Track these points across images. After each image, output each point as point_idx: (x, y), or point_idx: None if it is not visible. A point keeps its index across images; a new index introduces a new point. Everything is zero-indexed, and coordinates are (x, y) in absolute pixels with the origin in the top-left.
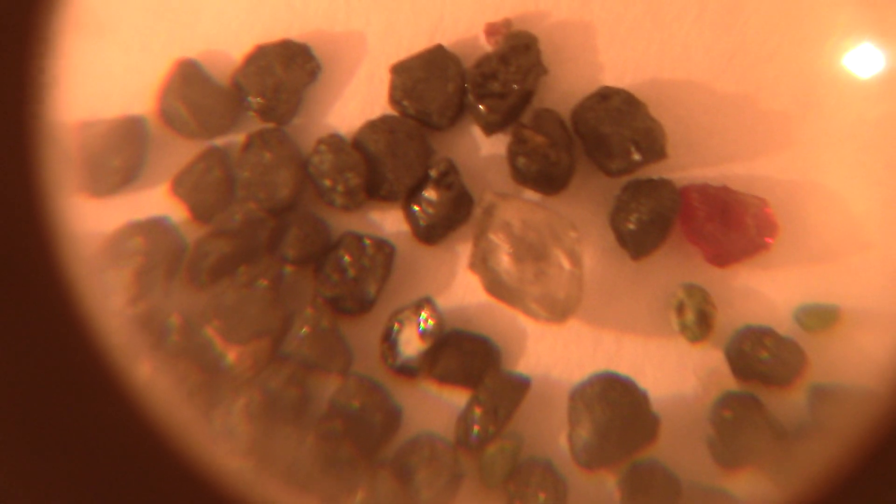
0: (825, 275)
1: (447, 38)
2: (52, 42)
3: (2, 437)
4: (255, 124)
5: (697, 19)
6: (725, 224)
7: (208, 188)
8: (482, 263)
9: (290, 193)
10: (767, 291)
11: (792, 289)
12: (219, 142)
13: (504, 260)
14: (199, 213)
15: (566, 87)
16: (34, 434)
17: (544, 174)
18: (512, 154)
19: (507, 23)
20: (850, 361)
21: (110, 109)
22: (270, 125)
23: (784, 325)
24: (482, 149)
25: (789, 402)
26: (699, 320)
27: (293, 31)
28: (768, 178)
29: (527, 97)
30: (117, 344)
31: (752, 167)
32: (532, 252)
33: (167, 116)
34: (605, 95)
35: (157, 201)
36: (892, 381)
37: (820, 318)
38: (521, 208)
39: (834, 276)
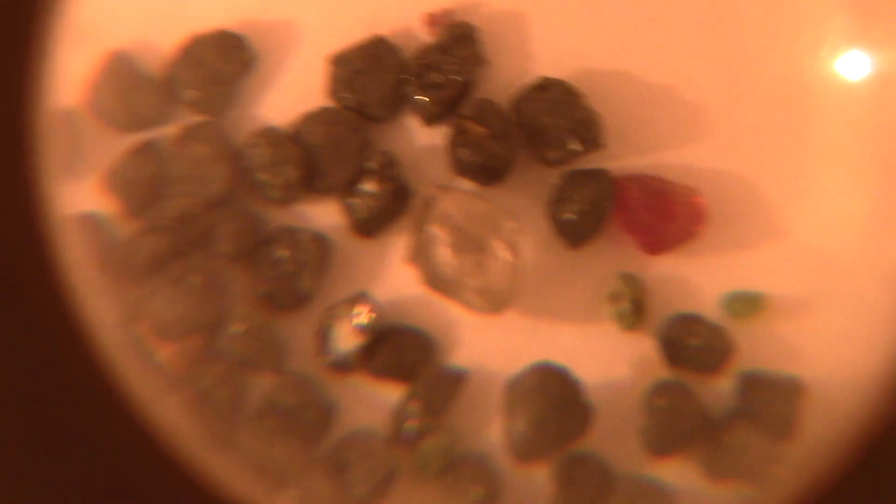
0: (751, 263)
1: (386, 29)
2: None
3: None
4: (189, 117)
5: (632, 12)
6: (659, 213)
7: (140, 183)
8: (420, 255)
9: (225, 187)
10: (697, 279)
11: (720, 276)
12: (151, 135)
13: (443, 251)
14: (131, 208)
15: (505, 77)
16: (28, 434)
17: (485, 165)
18: (453, 145)
19: (446, 13)
20: (774, 348)
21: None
22: (204, 118)
23: (713, 312)
24: (421, 140)
25: (718, 389)
26: (634, 309)
27: (228, 21)
28: (697, 168)
29: (467, 88)
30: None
31: (683, 157)
32: (472, 243)
33: (98, 110)
34: (545, 86)
35: (88, 197)
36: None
37: (746, 305)
38: (462, 199)
39: (759, 264)
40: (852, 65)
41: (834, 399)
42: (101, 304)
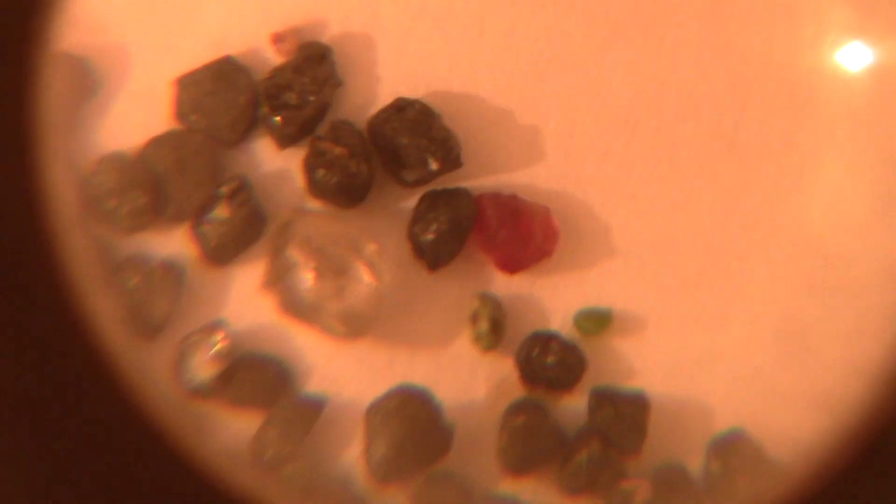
0: (598, 280)
1: (232, 50)
2: None
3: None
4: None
5: (480, 35)
6: (515, 232)
7: None
8: (278, 281)
9: (70, 214)
10: (550, 298)
11: (571, 295)
12: None
13: (303, 276)
14: None
15: (361, 99)
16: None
17: (343, 186)
18: (309, 167)
19: (295, 31)
20: (621, 363)
21: None
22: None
23: (566, 329)
24: (274, 164)
25: (571, 406)
26: (492, 329)
27: (69, 45)
28: (547, 186)
29: (323, 109)
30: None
31: (535, 176)
32: (332, 266)
33: None
34: (401, 107)
35: None
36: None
37: (595, 322)
38: (321, 221)
39: (605, 281)
40: (852, 56)
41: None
42: (102, 298)
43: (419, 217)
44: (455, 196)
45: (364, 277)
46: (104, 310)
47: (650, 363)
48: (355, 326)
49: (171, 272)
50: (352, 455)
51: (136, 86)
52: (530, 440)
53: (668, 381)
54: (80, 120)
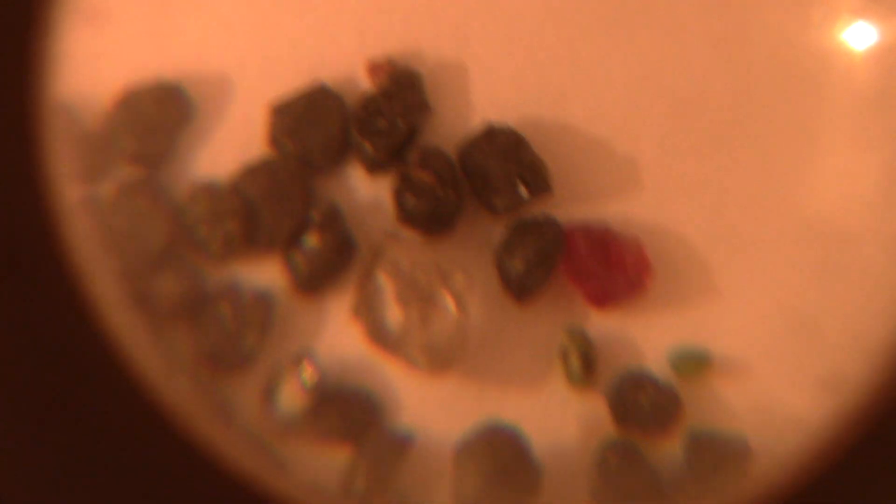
0: (696, 318)
1: (327, 78)
2: None
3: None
4: (127, 170)
5: (572, 62)
6: (607, 264)
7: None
8: (366, 308)
9: (164, 243)
10: (644, 334)
11: (666, 332)
12: (88, 189)
13: (389, 303)
14: None
15: (450, 125)
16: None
17: (432, 213)
18: (398, 193)
19: (389, 60)
20: (721, 405)
21: None
22: (143, 171)
23: (659, 368)
24: (365, 191)
25: (666, 450)
26: (583, 365)
27: (165, 71)
28: (643, 218)
29: (412, 135)
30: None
31: (628, 207)
32: (419, 294)
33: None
34: (491, 133)
35: None
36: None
37: (692, 362)
38: (410, 248)
39: (704, 319)
40: (859, 37)
41: (782, 456)
42: (108, 284)
43: (507, 247)
44: (544, 225)
45: (450, 308)
46: (190, 342)
47: (752, 407)
48: (439, 359)
49: (263, 301)
50: (441, 493)
51: (232, 113)
52: (624, 483)
53: (778, 402)
54: (176, 148)
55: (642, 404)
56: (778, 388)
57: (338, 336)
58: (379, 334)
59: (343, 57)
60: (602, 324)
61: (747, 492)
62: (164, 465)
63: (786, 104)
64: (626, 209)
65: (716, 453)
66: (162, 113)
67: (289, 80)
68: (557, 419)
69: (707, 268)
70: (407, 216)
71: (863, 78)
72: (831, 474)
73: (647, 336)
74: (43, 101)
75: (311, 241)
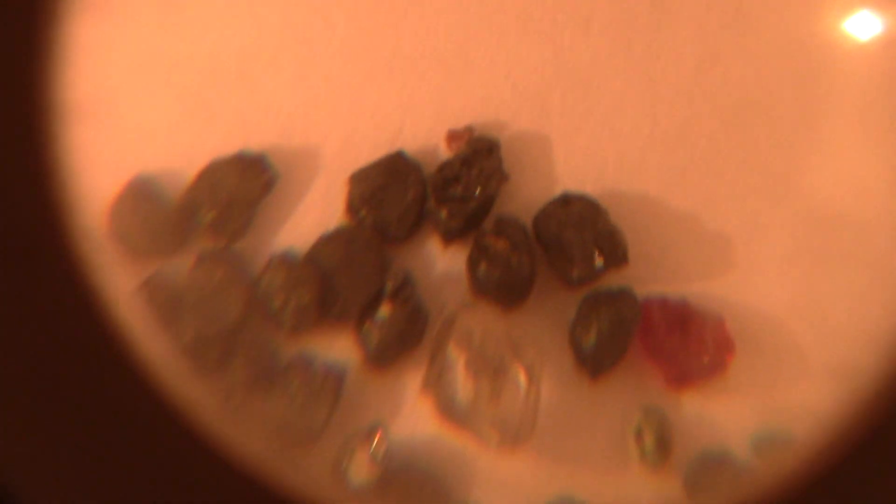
0: (779, 400)
1: (407, 149)
2: None
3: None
4: (206, 241)
5: (650, 134)
6: (685, 341)
7: (155, 311)
8: (436, 380)
9: (239, 314)
10: (724, 416)
11: (748, 414)
12: (169, 261)
13: (460, 374)
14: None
15: (526, 195)
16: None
17: (505, 282)
18: (472, 261)
19: (469, 130)
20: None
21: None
22: (222, 242)
23: (741, 450)
24: (439, 261)
25: None
26: (658, 446)
27: (248, 143)
28: (722, 295)
29: (488, 203)
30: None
31: (708, 283)
32: (490, 366)
33: (118, 235)
34: (567, 201)
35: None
36: None
37: (775, 446)
38: (484, 318)
39: (788, 401)
40: (865, 25)
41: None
42: (116, 275)
43: (581, 318)
44: (619, 297)
45: (522, 382)
46: (264, 414)
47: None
48: (509, 435)
49: (333, 375)
50: None
51: (314, 184)
52: None
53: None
54: (255, 218)
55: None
56: (789, 358)
57: (408, 412)
58: (449, 408)
59: (424, 128)
60: (680, 403)
61: (756, 485)
62: (167, 453)
63: (792, 97)
64: (706, 284)
65: None
66: (244, 184)
67: (371, 151)
68: (631, 501)
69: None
70: (480, 285)
71: (870, 67)
72: (840, 465)
73: (729, 417)
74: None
75: (384, 311)
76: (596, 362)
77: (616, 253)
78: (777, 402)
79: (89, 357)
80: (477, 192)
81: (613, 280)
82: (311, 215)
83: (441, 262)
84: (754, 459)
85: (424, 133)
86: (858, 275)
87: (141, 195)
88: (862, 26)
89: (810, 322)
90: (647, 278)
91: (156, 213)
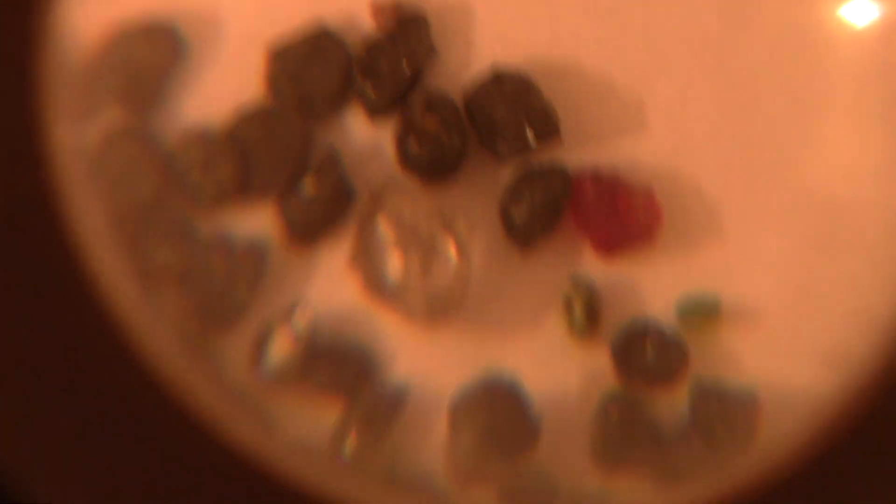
0: (705, 266)
1: (328, 19)
2: None
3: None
4: (116, 113)
5: (583, 6)
6: (615, 212)
7: None
8: (364, 256)
9: (153, 189)
10: (651, 283)
11: (675, 280)
12: (76, 130)
13: (389, 251)
14: None
15: (456, 69)
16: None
17: (435, 158)
18: (401, 139)
19: (395, 2)
20: (729, 355)
21: None
22: (132, 114)
23: (667, 317)
24: (365, 137)
25: (671, 402)
26: (587, 316)
27: (157, 10)
28: (652, 164)
29: (416, 78)
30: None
31: (638, 152)
32: (420, 242)
33: None
34: (498, 78)
35: None
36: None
37: (701, 311)
38: (412, 196)
39: (713, 267)
40: (860, 11)
41: (791, 407)
42: (111, 256)
43: (512, 194)
44: (551, 172)
45: (452, 257)
46: (180, 295)
47: (761, 357)
48: (439, 308)
49: (254, 253)
50: (435, 448)
51: (227, 55)
52: (625, 436)
53: (781, 377)
54: (168, 90)
55: (647, 355)
56: (784, 344)
57: (332, 288)
58: (377, 284)
59: None
60: (608, 273)
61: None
62: (163, 437)
63: (788, 78)
64: (637, 156)
65: (722, 406)
66: (153, 54)
67: (287, 20)
68: (559, 371)
69: (717, 217)
70: (409, 162)
71: (864, 53)
72: (837, 445)
73: (656, 285)
74: (40, 33)
75: (308, 188)
76: (526, 235)
77: (547, 128)
78: (702, 270)
79: (80, 344)
80: (405, 68)
81: (545, 155)
82: (226, 88)
83: (367, 137)
84: (679, 326)
85: (347, 3)
86: (852, 261)
87: (50, 58)
88: (857, 13)
89: (804, 309)
90: (579, 151)
91: (59, 83)
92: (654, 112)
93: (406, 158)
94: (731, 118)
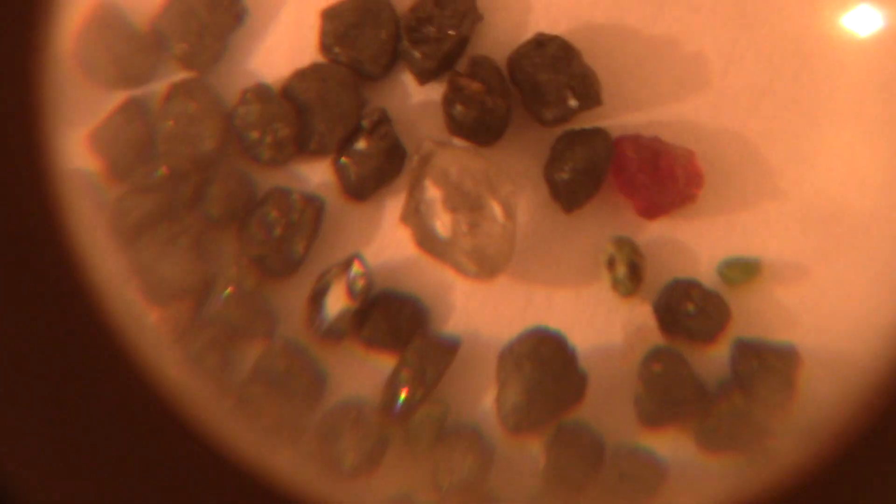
0: (747, 227)
1: None
2: None
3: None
4: (177, 73)
5: None
6: (656, 175)
7: (127, 142)
8: (415, 214)
9: (215, 146)
10: (693, 244)
11: (717, 240)
12: (138, 92)
13: (438, 209)
14: (117, 168)
15: (500, 34)
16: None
17: (480, 122)
18: (448, 102)
19: None
20: (771, 315)
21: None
22: (193, 73)
23: (708, 278)
24: (415, 98)
25: (713, 357)
26: (630, 274)
27: None
28: (695, 127)
29: (462, 43)
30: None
31: (680, 116)
32: (467, 201)
33: (84, 64)
34: (541, 42)
35: (74, 154)
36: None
37: (741, 271)
38: (460, 156)
39: (755, 228)
40: (866, 20)
41: (832, 366)
42: (108, 262)
43: (556, 156)
44: (592, 136)
45: (498, 216)
46: (237, 248)
47: (803, 314)
48: (486, 266)
49: (313, 206)
50: (486, 400)
51: (283, 17)
52: (668, 391)
53: (824, 334)
54: (226, 50)
55: (689, 312)
56: (824, 303)
57: (386, 242)
58: (427, 240)
59: None
60: (651, 233)
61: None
62: (158, 442)
63: (783, 89)
64: (679, 120)
65: (763, 362)
66: (214, 15)
67: None
68: (604, 327)
69: (758, 178)
70: (456, 125)
71: (870, 61)
72: (842, 459)
73: (698, 245)
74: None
75: (362, 146)
76: (570, 196)
77: (589, 94)
78: (744, 230)
79: (78, 346)
80: (451, 33)
81: (587, 120)
82: (283, 49)
83: (417, 97)
84: (721, 284)
85: None
86: (856, 267)
87: (107, 23)
88: (860, 21)
89: (816, 318)
90: (621, 116)
91: (123, 43)
92: (695, 77)
93: (453, 121)
94: (774, 79)
